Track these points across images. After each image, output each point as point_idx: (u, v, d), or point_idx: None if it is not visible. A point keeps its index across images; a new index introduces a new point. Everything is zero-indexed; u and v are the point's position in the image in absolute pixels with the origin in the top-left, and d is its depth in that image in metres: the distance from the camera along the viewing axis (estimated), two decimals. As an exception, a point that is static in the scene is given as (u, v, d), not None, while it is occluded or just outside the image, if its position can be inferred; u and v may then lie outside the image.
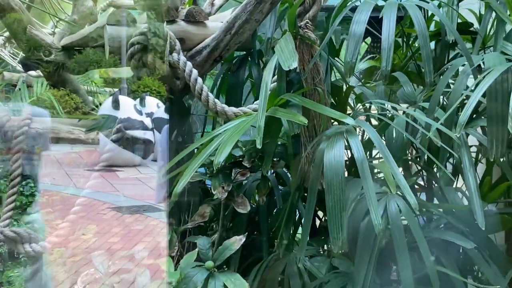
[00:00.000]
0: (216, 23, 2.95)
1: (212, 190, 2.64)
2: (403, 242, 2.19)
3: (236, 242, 2.46)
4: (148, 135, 4.38)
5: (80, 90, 3.38)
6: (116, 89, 4.19)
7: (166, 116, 4.10)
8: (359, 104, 2.98)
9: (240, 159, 2.88)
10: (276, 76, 2.55)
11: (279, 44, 2.34)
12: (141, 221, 5.79)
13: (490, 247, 2.49)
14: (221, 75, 3.20)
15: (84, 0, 3.21)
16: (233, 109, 2.73)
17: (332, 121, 2.62)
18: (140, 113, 4.48)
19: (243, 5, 2.72)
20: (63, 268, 4.07)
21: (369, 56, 3.44)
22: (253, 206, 3.05)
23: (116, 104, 4.38)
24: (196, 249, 2.50)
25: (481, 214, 2.27)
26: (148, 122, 4.43)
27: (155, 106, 4.63)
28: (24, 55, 3.17)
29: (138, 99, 4.46)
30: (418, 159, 2.82)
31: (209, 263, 2.40)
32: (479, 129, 2.60)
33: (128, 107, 4.51)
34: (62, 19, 3.46)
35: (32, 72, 3.78)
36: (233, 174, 2.90)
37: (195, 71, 2.69)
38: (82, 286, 2.83)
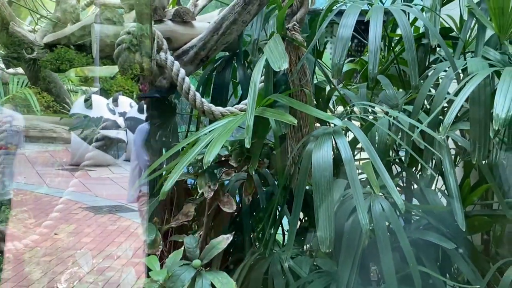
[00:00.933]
0: (203, 24, 2.95)
1: (198, 189, 2.63)
2: (386, 242, 2.22)
3: (223, 241, 2.46)
4: (120, 134, 4.36)
5: (61, 88, 3.35)
6: (94, 89, 4.15)
7: (139, 115, 4.08)
8: (339, 106, 3.01)
9: (224, 158, 2.87)
10: (263, 77, 2.56)
11: (268, 45, 2.35)
12: (114, 221, 5.77)
13: (468, 248, 2.54)
14: (206, 76, 3.20)
15: (67, -2, 3.18)
16: (220, 108, 2.74)
17: (315, 123, 2.65)
18: (113, 112, 4.46)
19: (231, 6, 2.73)
20: (37, 267, 4.04)
21: (349, 59, 3.47)
22: (234, 205, 3.05)
23: (90, 104, 4.36)
24: (182, 248, 2.49)
25: (462, 215, 2.32)
26: (121, 121, 4.40)
27: (128, 105, 4.61)
28: (3, 52, 3.13)
29: (110, 99, 4.44)
30: (398, 161, 2.86)
31: (197, 262, 2.40)
32: (457, 132, 2.66)
33: (100, 106, 4.48)
34: (45, 16, 3.42)
35: (10, 70, 3.73)
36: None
37: (182, 71, 2.70)
38: (65, 284, 2.81)
